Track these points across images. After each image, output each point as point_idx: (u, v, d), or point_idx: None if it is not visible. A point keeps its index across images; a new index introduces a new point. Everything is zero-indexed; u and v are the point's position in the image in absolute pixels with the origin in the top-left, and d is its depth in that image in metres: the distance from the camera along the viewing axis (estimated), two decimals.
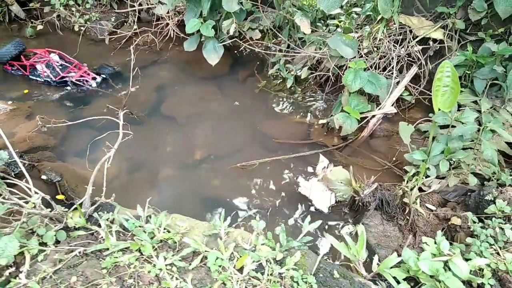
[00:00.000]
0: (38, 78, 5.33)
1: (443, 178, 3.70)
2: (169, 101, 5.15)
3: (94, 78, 5.29)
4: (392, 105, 4.49)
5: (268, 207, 3.74)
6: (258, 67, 5.66)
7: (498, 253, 2.62)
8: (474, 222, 2.87)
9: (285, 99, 5.15)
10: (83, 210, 2.66)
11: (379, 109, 4.46)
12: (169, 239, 2.39)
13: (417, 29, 4.53)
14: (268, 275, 2.16)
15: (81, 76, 5.27)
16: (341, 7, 5.48)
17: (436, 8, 4.44)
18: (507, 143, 3.83)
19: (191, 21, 5.08)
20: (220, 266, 2.22)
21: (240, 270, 2.23)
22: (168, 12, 6.00)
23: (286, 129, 4.71)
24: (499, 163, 3.70)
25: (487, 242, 2.67)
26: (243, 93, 5.30)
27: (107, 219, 2.52)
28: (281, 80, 5.36)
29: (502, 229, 2.72)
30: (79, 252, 2.29)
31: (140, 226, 2.47)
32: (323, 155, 4.10)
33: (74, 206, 2.64)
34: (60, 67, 5.34)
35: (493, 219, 2.79)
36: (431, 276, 2.27)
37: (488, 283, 2.37)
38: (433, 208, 3.49)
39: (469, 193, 3.45)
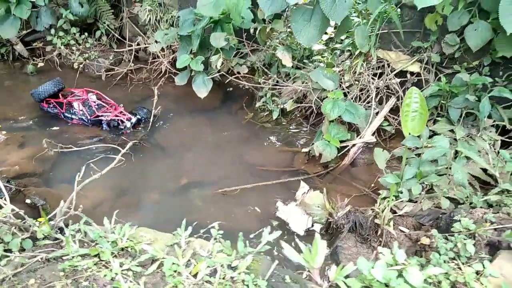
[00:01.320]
0: (73, 116, 5.31)
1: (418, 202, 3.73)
2: (160, 132, 5.34)
3: (129, 119, 5.21)
4: (372, 134, 4.59)
5: (244, 228, 3.78)
6: (247, 101, 5.86)
7: (460, 268, 2.62)
8: (439, 239, 2.88)
9: (270, 130, 5.31)
10: (52, 222, 2.74)
11: (359, 138, 4.57)
12: (129, 247, 2.45)
13: (394, 63, 4.71)
14: (220, 278, 2.19)
15: (116, 116, 5.19)
16: (326, 44, 5.74)
17: (412, 42, 4.64)
18: (482, 169, 3.88)
19: (182, 56, 5.38)
20: (175, 271, 2.27)
21: (196, 275, 2.27)
22: (163, 50, 6.32)
23: (270, 158, 4.83)
24: (474, 188, 3.74)
25: (447, 255, 2.67)
26: (231, 125, 5.48)
27: (73, 230, 2.60)
28: (268, 112, 5.54)
29: (466, 245, 2.73)
30: (41, 258, 2.36)
31: (104, 237, 2.54)
32: (304, 182, 4.18)
33: (48, 217, 2.74)
34: (97, 106, 5.29)
35: (456, 235, 2.81)
36: (386, 286, 2.27)
37: None
38: (407, 230, 3.50)
39: (440, 216, 3.47)
